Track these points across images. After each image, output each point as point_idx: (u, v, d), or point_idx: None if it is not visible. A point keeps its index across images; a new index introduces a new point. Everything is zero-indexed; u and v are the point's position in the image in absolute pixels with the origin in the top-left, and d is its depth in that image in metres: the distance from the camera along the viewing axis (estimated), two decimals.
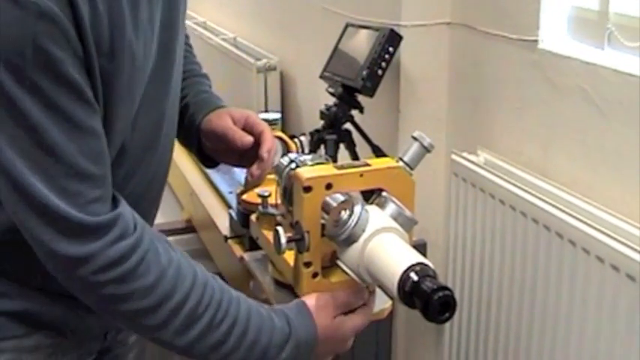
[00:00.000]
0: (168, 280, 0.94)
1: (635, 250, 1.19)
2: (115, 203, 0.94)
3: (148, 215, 1.10)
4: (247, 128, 1.19)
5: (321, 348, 1.04)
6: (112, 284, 0.91)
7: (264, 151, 1.17)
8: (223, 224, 1.77)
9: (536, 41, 1.47)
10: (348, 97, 1.66)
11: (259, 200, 1.31)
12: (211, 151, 1.24)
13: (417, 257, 0.96)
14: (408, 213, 1.05)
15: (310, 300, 1.05)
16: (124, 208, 0.94)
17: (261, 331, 1.00)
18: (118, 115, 0.94)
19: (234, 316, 0.98)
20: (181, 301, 0.95)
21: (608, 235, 1.24)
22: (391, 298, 1.02)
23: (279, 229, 1.06)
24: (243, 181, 1.48)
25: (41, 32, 0.82)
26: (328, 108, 1.67)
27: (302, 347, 1.02)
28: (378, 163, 1.11)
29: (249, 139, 1.18)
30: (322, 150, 1.66)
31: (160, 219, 1.19)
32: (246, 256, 1.43)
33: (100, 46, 0.88)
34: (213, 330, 0.97)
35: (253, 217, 1.34)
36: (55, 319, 1.06)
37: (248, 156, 1.19)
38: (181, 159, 1.22)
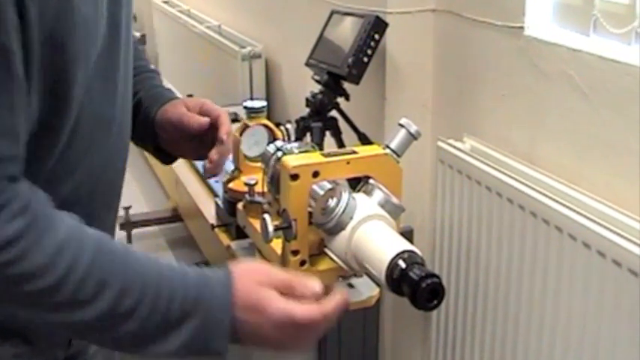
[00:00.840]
0: (68, 252, 0.87)
1: (622, 236, 1.20)
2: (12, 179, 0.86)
3: (108, 201, 1.05)
4: (203, 114, 1.18)
5: (241, 314, 0.91)
6: (10, 265, 0.84)
7: (222, 133, 1.14)
8: (210, 213, 1.76)
9: (522, 28, 1.47)
10: (333, 85, 1.65)
11: (246, 188, 1.31)
12: (168, 143, 1.21)
13: (405, 245, 0.96)
14: (395, 200, 1.05)
15: (238, 263, 0.94)
16: (22, 183, 0.87)
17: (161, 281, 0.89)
18: (75, 78, 0.90)
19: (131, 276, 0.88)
20: (86, 270, 0.87)
21: (595, 222, 1.24)
22: (379, 285, 1.02)
23: (267, 217, 1.06)
24: (228, 169, 1.46)
25: None
26: (314, 95, 1.67)
27: (207, 294, 0.89)
28: (365, 150, 1.11)
29: (205, 119, 1.15)
30: (308, 138, 1.66)
31: (145, 208, 1.19)
32: (233, 244, 1.42)
33: (46, 4, 0.82)
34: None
35: (240, 205, 1.33)
36: (20, 326, 1.00)
37: (205, 145, 1.17)
38: None
